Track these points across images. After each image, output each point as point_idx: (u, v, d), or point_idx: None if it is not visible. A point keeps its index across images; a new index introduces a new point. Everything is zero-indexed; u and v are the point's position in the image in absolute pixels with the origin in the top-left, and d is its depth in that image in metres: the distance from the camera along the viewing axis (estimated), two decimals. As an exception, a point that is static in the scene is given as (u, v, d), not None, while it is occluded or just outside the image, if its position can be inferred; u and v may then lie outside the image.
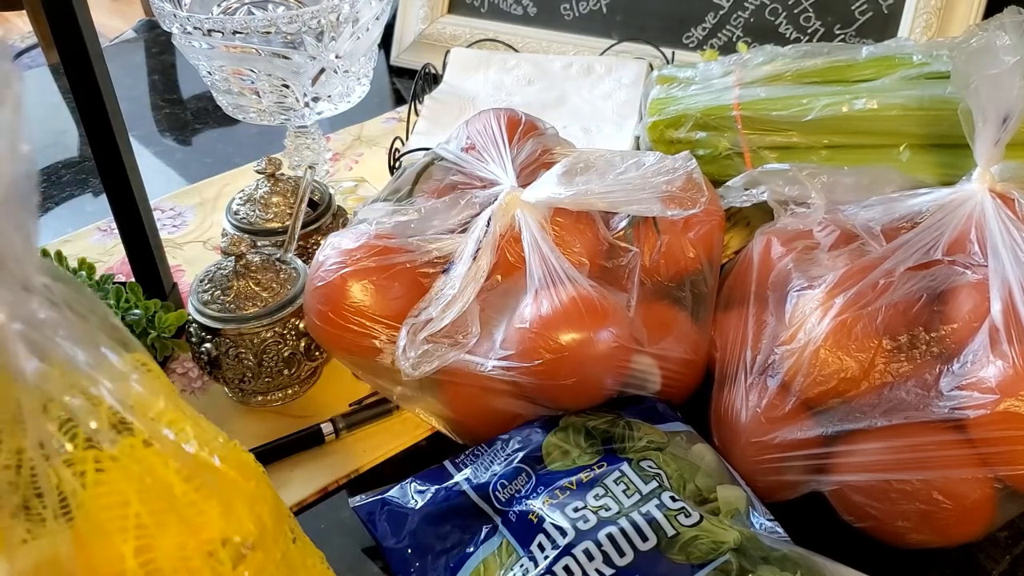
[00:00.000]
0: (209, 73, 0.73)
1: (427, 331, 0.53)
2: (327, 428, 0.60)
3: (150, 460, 0.32)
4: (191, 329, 0.61)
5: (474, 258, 0.55)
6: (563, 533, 0.45)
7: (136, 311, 0.62)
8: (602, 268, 0.57)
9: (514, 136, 0.61)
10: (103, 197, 0.65)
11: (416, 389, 0.57)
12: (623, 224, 0.58)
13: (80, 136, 1.00)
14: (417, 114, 0.88)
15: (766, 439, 0.51)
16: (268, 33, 0.67)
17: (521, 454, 0.52)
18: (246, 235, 0.67)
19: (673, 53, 0.92)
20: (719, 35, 0.94)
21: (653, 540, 0.44)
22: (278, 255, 0.63)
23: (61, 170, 0.93)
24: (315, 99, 0.74)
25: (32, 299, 0.29)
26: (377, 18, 0.73)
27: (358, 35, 0.71)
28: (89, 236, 0.82)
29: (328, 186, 0.74)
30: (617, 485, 0.48)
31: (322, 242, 0.59)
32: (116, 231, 0.67)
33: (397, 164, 0.80)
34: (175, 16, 0.68)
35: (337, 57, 0.71)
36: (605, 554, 0.44)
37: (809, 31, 0.91)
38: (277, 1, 0.78)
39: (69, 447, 0.30)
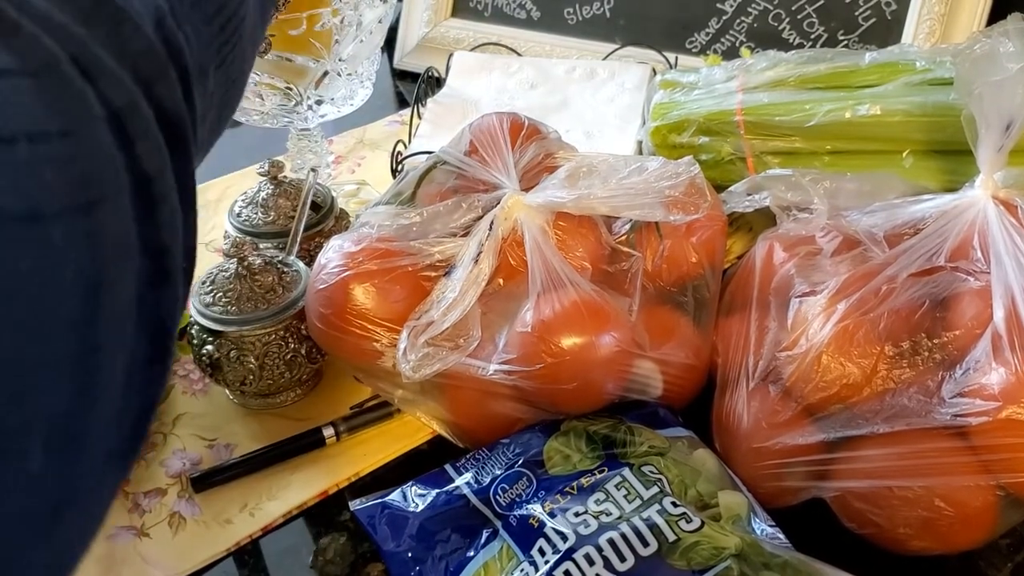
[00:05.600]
0: (212, 75, 0.73)
1: (428, 334, 0.53)
2: (328, 431, 0.60)
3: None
4: (192, 331, 0.61)
5: (476, 261, 0.55)
6: (564, 538, 0.45)
7: (138, 313, 0.62)
8: (604, 272, 0.57)
9: (517, 140, 0.61)
10: (106, 198, 0.65)
11: (417, 392, 0.57)
12: (625, 228, 0.58)
13: (83, 137, 0.99)
14: (420, 117, 0.88)
15: (768, 445, 0.51)
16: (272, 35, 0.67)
17: (522, 458, 0.52)
18: (248, 237, 0.67)
19: (676, 58, 0.92)
20: (722, 40, 0.94)
21: (654, 545, 0.44)
22: (280, 258, 0.63)
23: (64, 171, 0.93)
24: (318, 102, 0.74)
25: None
26: (380, 21, 0.73)
27: (361, 38, 0.71)
28: (91, 237, 0.82)
29: (330, 189, 0.74)
30: (618, 490, 0.48)
31: (324, 245, 0.59)
32: (118, 233, 0.67)
33: (399, 167, 0.80)
34: (179, 18, 0.68)
35: (340, 60, 0.71)
36: (606, 559, 0.44)
37: (812, 37, 0.91)
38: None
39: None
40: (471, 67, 0.93)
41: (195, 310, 0.60)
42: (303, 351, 0.61)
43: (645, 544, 0.44)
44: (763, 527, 0.48)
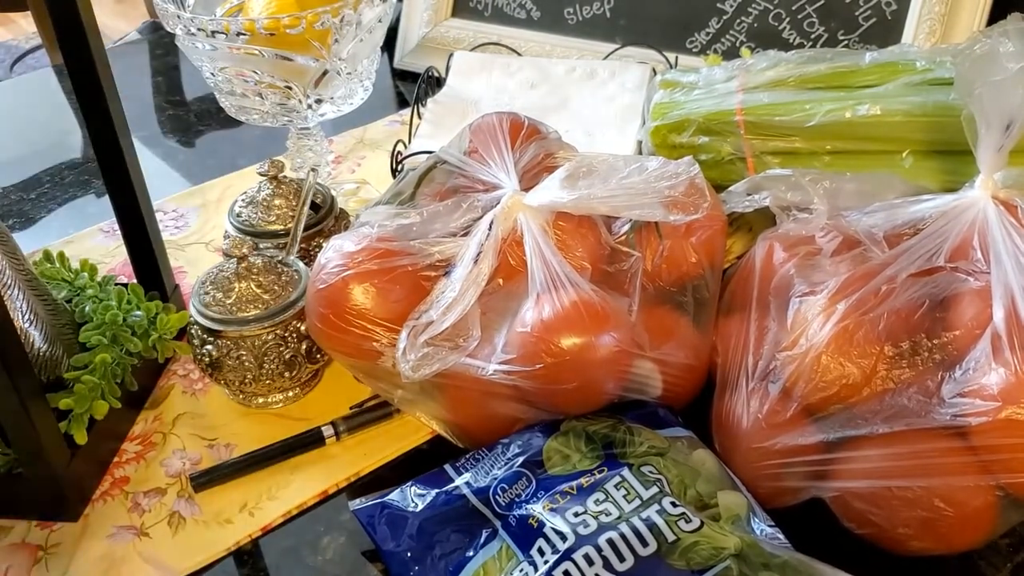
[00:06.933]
0: (212, 75, 0.73)
1: (427, 334, 0.53)
2: (328, 431, 0.60)
3: None
4: (192, 331, 0.61)
5: (475, 261, 0.55)
6: (563, 538, 0.45)
7: (138, 313, 0.62)
8: (604, 272, 0.57)
9: (517, 140, 0.61)
10: (106, 198, 0.65)
11: (417, 392, 0.57)
12: (625, 228, 0.57)
13: (84, 137, 1.00)
14: (420, 117, 0.88)
15: (767, 445, 0.51)
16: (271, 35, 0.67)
17: (522, 458, 0.52)
18: (248, 237, 0.67)
19: (676, 58, 0.92)
20: (723, 40, 0.94)
21: (653, 546, 0.44)
22: (280, 257, 0.63)
23: (64, 171, 0.93)
24: (318, 101, 0.74)
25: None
26: (380, 20, 0.73)
27: (361, 37, 0.71)
28: (91, 237, 0.82)
29: (330, 188, 0.74)
30: (618, 490, 0.48)
31: (324, 245, 0.59)
32: (118, 232, 0.67)
33: (400, 167, 0.80)
34: (179, 18, 0.68)
35: (340, 59, 0.71)
36: (605, 559, 0.44)
37: (813, 36, 0.91)
38: (281, 3, 0.78)
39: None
40: (471, 67, 0.93)
41: (195, 310, 0.60)
42: (303, 351, 0.61)
43: (644, 544, 0.44)
44: (762, 527, 0.48)
